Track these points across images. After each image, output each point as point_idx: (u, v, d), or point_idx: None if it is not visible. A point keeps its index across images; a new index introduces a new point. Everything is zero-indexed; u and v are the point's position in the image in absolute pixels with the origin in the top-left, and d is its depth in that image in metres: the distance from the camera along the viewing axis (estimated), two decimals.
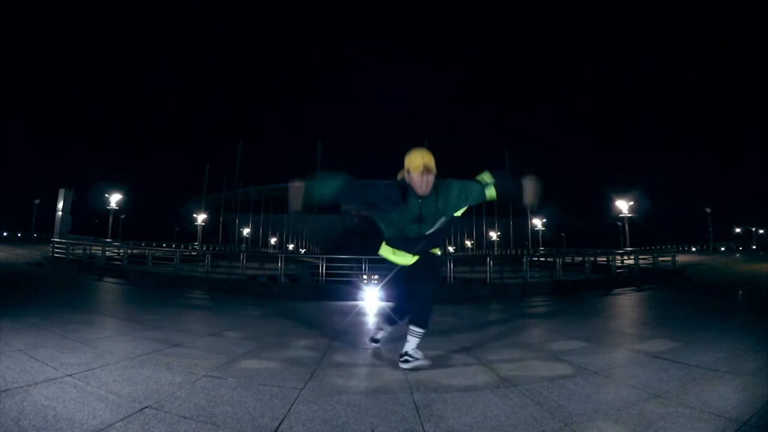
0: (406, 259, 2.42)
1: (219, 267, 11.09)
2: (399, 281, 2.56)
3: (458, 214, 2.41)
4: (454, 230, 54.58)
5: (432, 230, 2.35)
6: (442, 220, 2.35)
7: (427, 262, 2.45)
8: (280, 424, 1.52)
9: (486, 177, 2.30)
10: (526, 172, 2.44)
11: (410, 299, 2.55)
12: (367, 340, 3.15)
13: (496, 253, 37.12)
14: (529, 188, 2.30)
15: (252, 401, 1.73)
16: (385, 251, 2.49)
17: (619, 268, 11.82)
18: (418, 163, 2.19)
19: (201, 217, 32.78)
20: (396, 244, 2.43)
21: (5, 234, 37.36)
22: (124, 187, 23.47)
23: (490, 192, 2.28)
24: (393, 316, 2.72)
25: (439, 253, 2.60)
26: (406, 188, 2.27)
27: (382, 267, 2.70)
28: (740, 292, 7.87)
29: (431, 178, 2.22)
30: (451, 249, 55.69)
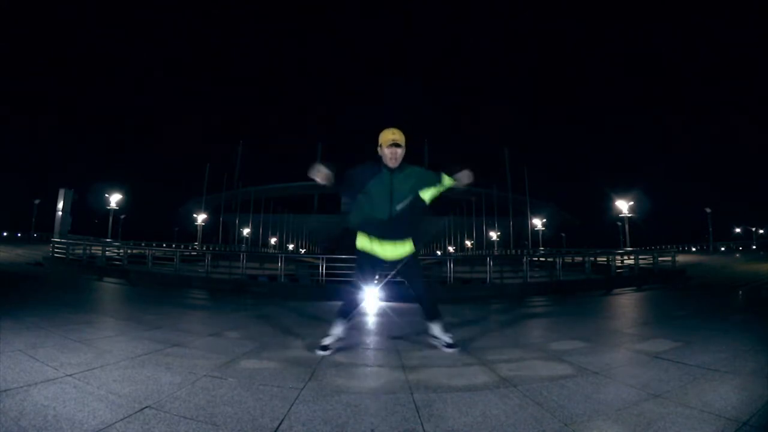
0: (384, 249, 2.60)
1: (219, 267, 11.08)
2: (368, 269, 2.69)
3: (425, 197, 2.62)
4: (454, 230, 54.64)
5: (402, 205, 2.54)
6: (410, 197, 2.57)
7: (408, 261, 2.67)
8: (280, 424, 1.52)
9: (446, 179, 2.60)
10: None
11: (416, 299, 2.82)
12: (367, 341, 3.15)
13: (496, 253, 37.07)
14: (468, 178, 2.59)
15: (252, 401, 1.73)
16: (362, 241, 2.65)
17: (619, 268, 11.82)
18: (389, 138, 2.52)
19: (201, 217, 32.78)
20: (370, 228, 2.60)
21: (5, 234, 37.39)
22: (124, 187, 23.52)
23: (446, 180, 2.59)
24: (349, 306, 2.76)
25: (415, 249, 2.71)
26: (380, 163, 2.57)
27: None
28: (740, 293, 7.87)
29: (400, 151, 2.54)
30: (451, 249, 55.72)
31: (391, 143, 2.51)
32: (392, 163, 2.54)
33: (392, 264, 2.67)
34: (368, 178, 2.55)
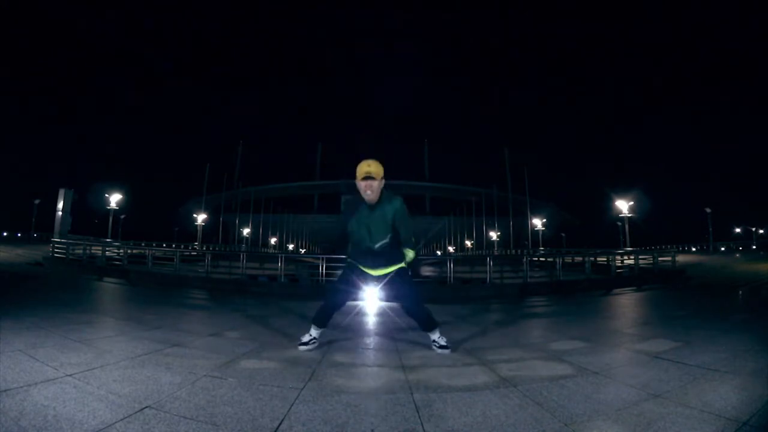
0: (371, 271, 2.67)
1: (219, 267, 11.09)
2: (347, 280, 2.72)
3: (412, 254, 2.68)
4: (454, 230, 54.60)
5: (382, 243, 2.56)
6: (390, 235, 2.58)
7: (396, 275, 2.65)
8: (280, 424, 1.52)
9: (410, 253, 2.68)
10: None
11: (408, 312, 2.80)
12: (367, 341, 3.15)
13: (496, 253, 37.05)
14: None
15: (252, 401, 1.73)
16: (351, 260, 2.75)
17: (619, 268, 11.82)
18: (363, 170, 2.47)
19: (201, 217, 32.77)
20: (356, 256, 2.67)
21: (5, 234, 37.39)
22: (124, 187, 23.50)
23: (409, 255, 2.66)
24: (323, 315, 2.79)
25: (405, 265, 2.70)
26: (360, 197, 2.55)
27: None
28: (740, 293, 7.87)
29: (375, 184, 2.48)
30: (451, 249, 55.70)
31: (364, 176, 2.47)
32: (368, 197, 2.51)
33: (379, 278, 2.69)
34: (352, 213, 2.58)
